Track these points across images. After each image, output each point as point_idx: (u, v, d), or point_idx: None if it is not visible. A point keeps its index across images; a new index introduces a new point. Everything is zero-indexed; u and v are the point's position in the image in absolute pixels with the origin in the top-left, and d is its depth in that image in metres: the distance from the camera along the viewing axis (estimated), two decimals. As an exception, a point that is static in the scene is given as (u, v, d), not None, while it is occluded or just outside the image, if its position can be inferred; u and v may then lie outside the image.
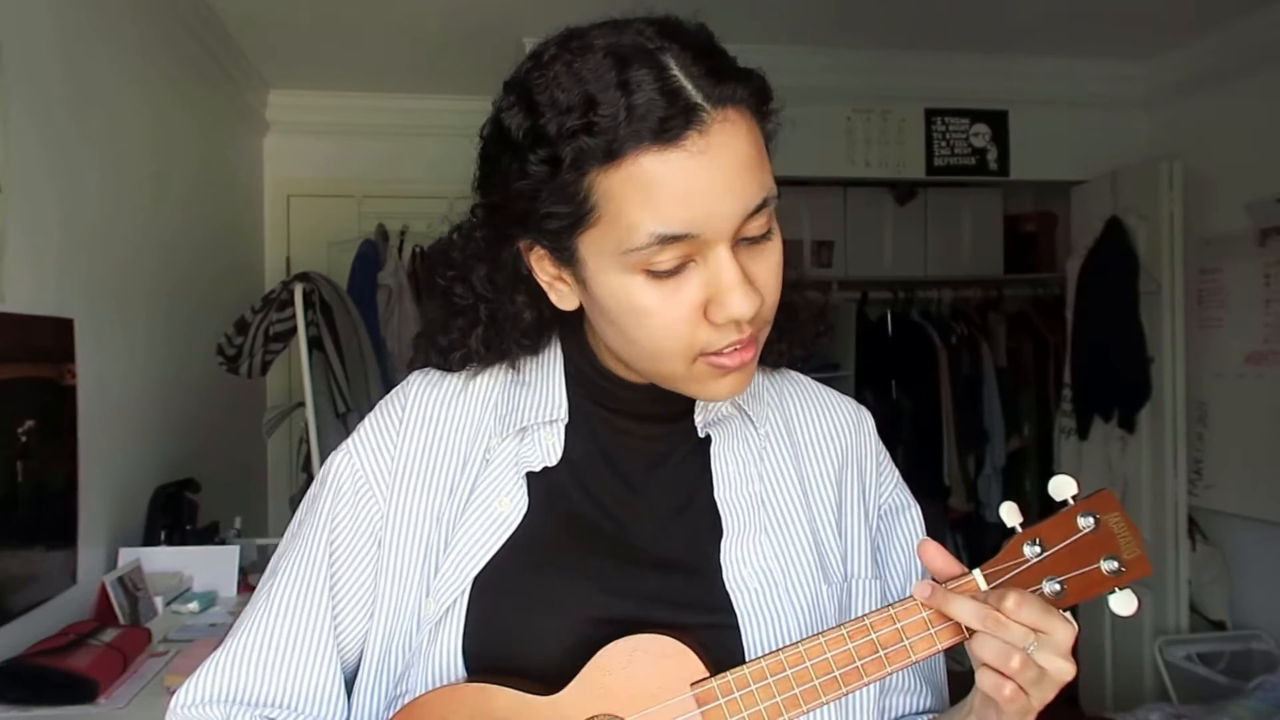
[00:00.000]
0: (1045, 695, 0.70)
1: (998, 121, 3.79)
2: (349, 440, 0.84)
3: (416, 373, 0.85)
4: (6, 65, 1.97)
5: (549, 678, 0.72)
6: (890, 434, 4.13)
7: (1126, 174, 3.50)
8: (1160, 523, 3.35)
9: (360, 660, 0.81)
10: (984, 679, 0.70)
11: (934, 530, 0.84)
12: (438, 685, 0.75)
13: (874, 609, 0.82)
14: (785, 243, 0.74)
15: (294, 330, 2.90)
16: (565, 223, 0.69)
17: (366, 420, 0.84)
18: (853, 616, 0.81)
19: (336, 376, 2.96)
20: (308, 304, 2.87)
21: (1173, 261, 3.32)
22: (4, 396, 1.95)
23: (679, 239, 0.66)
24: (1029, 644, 0.68)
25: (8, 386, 1.95)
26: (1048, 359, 4.33)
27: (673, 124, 0.64)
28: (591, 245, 0.70)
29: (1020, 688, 0.68)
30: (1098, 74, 3.71)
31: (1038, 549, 0.72)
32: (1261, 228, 3.19)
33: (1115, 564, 0.72)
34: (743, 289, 0.68)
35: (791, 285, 0.80)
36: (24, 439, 2.00)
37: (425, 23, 3.24)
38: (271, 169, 4.16)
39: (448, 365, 0.83)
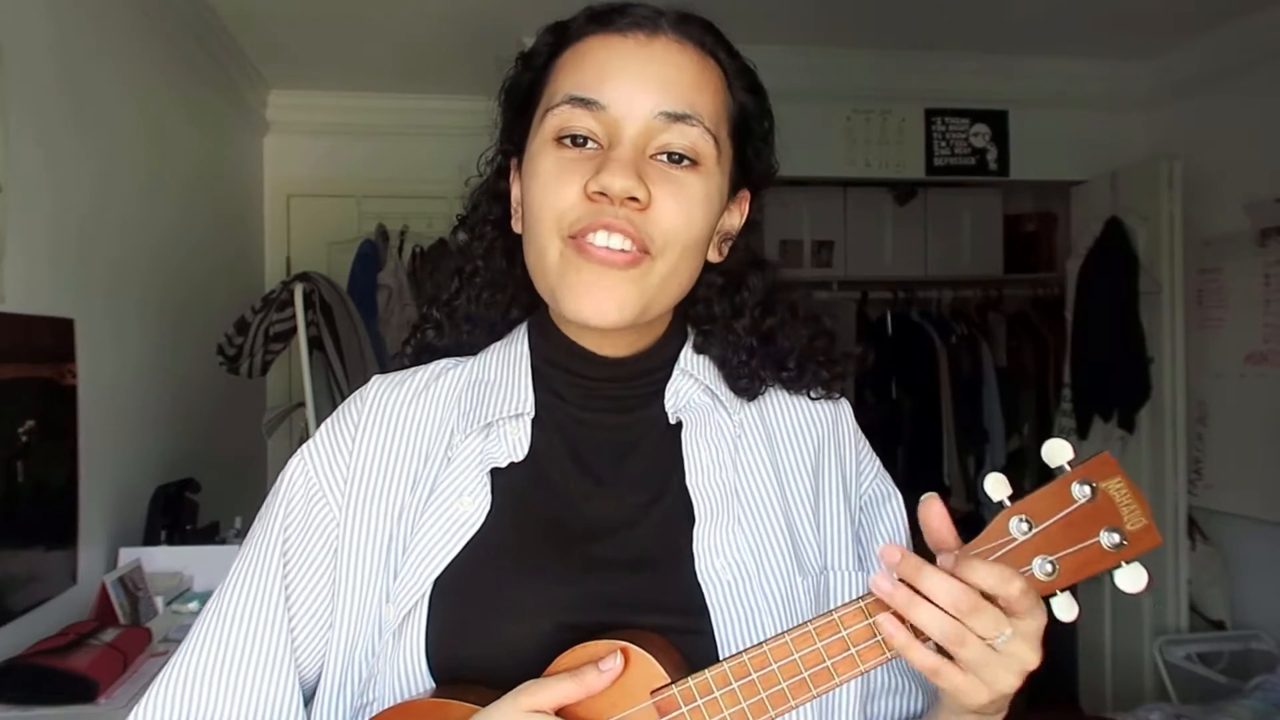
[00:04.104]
0: (1000, 678, 0.63)
1: (998, 121, 3.78)
2: (304, 445, 0.81)
3: (376, 377, 0.83)
4: (5, 66, 1.97)
5: (514, 685, 0.68)
6: (890, 434, 4.14)
7: (1126, 174, 3.50)
8: (1160, 523, 3.28)
9: (320, 672, 0.77)
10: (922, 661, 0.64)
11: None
12: (403, 692, 0.71)
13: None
14: (783, 244, 0.75)
15: (294, 330, 2.90)
16: (532, 98, 0.78)
17: (323, 425, 0.81)
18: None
19: (336, 376, 2.95)
20: (308, 304, 2.87)
21: (1172, 261, 3.33)
22: (4, 396, 1.95)
23: (589, 103, 0.72)
24: (972, 615, 0.62)
25: (8, 386, 1.95)
26: (1048, 359, 4.33)
27: (624, 18, 0.73)
28: (535, 123, 0.76)
29: (963, 668, 0.63)
30: (1098, 74, 3.71)
31: (1025, 525, 0.65)
32: (1261, 228, 3.19)
33: (1118, 537, 0.64)
34: (621, 166, 0.70)
35: (775, 306, 0.84)
36: (24, 439, 2.01)
37: (425, 23, 3.24)
38: (271, 169, 4.15)
39: (428, 345, 0.85)
